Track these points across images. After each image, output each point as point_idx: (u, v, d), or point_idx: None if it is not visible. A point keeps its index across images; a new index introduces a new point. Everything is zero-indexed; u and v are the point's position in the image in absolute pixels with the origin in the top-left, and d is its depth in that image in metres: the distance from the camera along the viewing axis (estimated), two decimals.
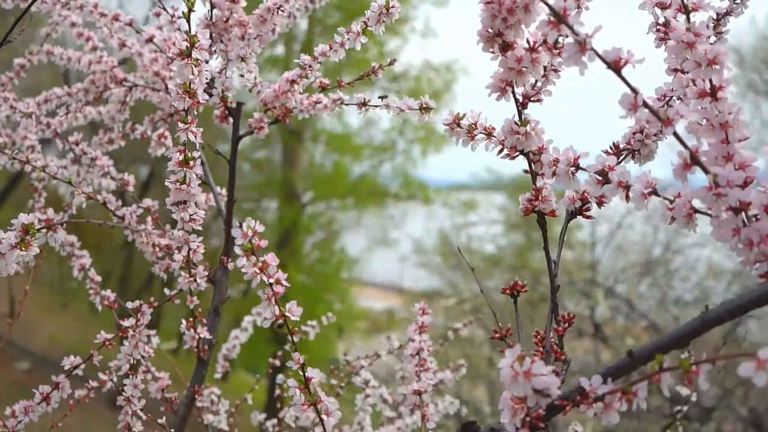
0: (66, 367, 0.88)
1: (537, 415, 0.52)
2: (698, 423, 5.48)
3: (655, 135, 0.64)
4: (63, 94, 1.16)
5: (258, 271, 0.59)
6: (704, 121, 0.53)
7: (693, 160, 0.50)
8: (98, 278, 1.06)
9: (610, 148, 0.65)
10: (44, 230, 0.65)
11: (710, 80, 0.51)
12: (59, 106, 1.18)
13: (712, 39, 0.68)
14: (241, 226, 0.58)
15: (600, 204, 0.64)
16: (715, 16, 0.68)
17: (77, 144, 1.08)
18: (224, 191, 1.07)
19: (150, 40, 1.03)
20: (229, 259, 0.92)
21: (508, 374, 0.48)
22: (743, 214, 0.49)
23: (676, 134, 0.49)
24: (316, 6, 1.04)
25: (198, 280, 0.86)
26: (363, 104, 0.91)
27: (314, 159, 11.74)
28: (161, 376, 0.98)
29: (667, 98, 0.63)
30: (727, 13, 0.66)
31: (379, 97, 0.89)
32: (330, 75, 0.98)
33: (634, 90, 0.49)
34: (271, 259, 0.60)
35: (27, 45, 1.39)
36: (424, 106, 0.80)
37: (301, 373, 0.62)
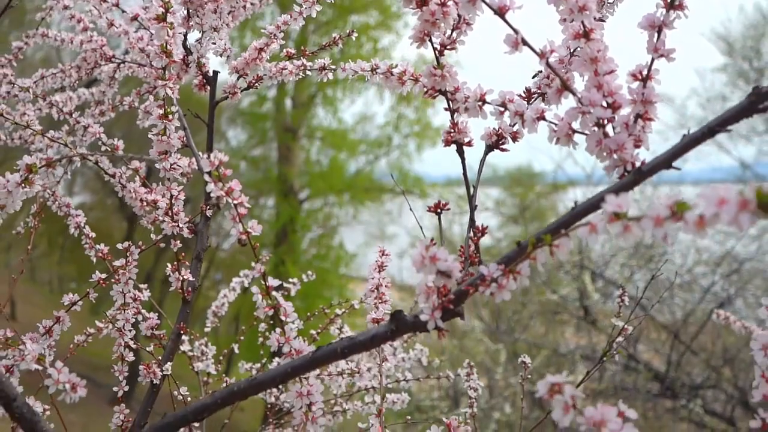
0: (65, 303, 1.00)
1: (448, 300, 0.64)
2: (685, 400, 5.62)
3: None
4: (57, 71, 1.27)
5: (224, 194, 0.71)
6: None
7: (564, 86, 0.62)
8: (93, 234, 1.18)
9: (524, 91, 0.78)
10: (44, 168, 0.77)
11: (582, 23, 0.63)
12: (54, 84, 1.29)
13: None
14: (209, 157, 0.70)
15: (514, 139, 0.76)
16: None
17: (71, 114, 1.20)
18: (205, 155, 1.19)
19: (135, 18, 1.15)
20: (209, 208, 1.04)
21: (418, 259, 0.60)
22: (604, 129, 0.61)
23: (548, 64, 0.61)
24: None
25: (181, 225, 0.98)
26: (323, 68, 1.03)
27: (310, 156, 11.85)
28: (150, 316, 1.10)
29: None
30: None
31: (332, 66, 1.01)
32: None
33: (515, 31, 0.61)
34: (235, 184, 0.72)
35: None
36: (374, 67, 0.92)
37: (263, 282, 0.74)
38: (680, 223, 0.43)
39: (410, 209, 1.03)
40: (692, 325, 6.58)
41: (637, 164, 0.60)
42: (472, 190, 0.74)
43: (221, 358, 1.41)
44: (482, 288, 0.62)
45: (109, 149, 1.15)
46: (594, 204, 0.59)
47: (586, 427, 0.51)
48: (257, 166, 11.52)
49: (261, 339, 1.41)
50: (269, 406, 1.42)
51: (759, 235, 7.88)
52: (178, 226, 0.99)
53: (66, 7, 1.27)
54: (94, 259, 1.16)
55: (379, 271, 1.06)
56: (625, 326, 1.16)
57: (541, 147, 8.32)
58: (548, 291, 6.03)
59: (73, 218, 1.20)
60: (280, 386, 1.43)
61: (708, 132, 0.56)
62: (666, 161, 0.57)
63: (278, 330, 0.75)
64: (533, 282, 7.23)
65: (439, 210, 0.76)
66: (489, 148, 0.77)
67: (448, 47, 0.71)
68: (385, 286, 1.06)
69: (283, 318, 0.74)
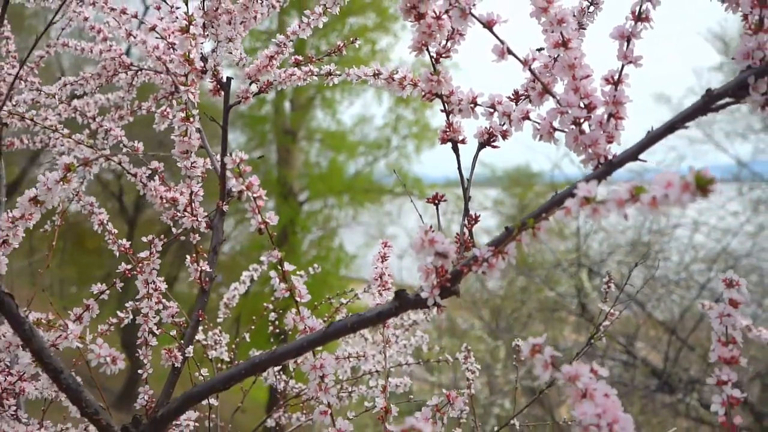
0: (94, 292, 1.08)
1: (445, 279, 0.72)
2: (682, 395, 5.71)
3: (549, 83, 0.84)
4: (79, 79, 1.36)
5: (245, 188, 0.80)
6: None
7: (545, 89, 0.71)
8: (115, 231, 1.27)
9: (512, 94, 0.86)
10: (81, 167, 0.86)
11: (561, 33, 0.72)
12: (76, 90, 1.38)
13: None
14: (231, 155, 0.79)
15: (504, 137, 0.85)
16: None
17: (94, 119, 1.28)
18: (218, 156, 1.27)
19: (152, 29, 1.24)
20: (225, 203, 1.12)
21: (418, 242, 0.69)
22: (581, 127, 0.70)
23: (531, 70, 0.70)
24: None
25: (200, 219, 1.07)
26: (329, 74, 1.11)
27: (309, 158, 11.94)
28: (171, 305, 1.19)
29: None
30: None
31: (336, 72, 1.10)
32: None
33: (501, 42, 0.70)
34: (254, 179, 0.81)
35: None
36: (376, 73, 1.00)
37: (280, 267, 0.83)
38: (638, 203, 0.52)
39: (414, 206, 1.11)
40: (689, 320, 6.67)
41: (609, 157, 0.69)
42: (466, 183, 0.83)
43: (234, 346, 1.50)
44: (475, 267, 0.71)
45: (130, 150, 1.23)
46: (569, 192, 0.68)
47: (563, 382, 0.59)
48: (257, 169, 11.59)
49: (270, 327, 1.49)
50: (279, 392, 1.51)
51: (756, 233, 7.97)
52: (197, 220, 1.07)
53: (86, 19, 1.36)
54: (117, 254, 1.25)
55: (382, 261, 1.15)
56: (611, 311, 1.24)
57: (539, 147, 8.41)
58: (546, 288, 6.11)
59: (97, 216, 1.28)
60: (291, 370, 1.51)
61: (669, 128, 0.64)
62: (633, 155, 0.66)
63: (293, 310, 0.83)
64: (532, 281, 7.33)
65: (437, 201, 0.85)
66: (481, 146, 0.85)
67: (443, 55, 0.80)
68: (388, 275, 1.14)
69: (297, 299, 0.83)
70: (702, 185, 0.47)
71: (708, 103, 0.63)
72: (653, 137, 0.65)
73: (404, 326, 1.62)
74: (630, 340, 6.47)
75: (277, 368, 1.55)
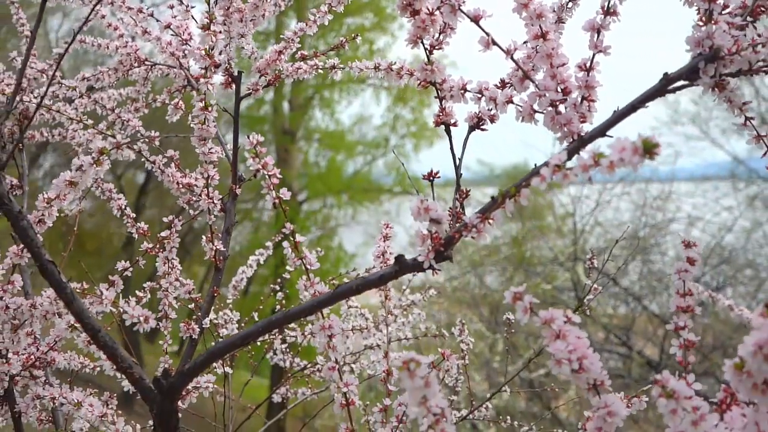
0: (119, 269, 1.18)
1: (439, 244, 0.82)
2: None
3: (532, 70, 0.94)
4: (97, 73, 1.46)
5: (261, 167, 0.90)
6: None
7: (525, 76, 0.80)
8: (133, 215, 1.36)
9: (499, 81, 0.96)
10: (114, 150, 0.95)
11: (540, 27, 0.82)
12: (94, 84, 1.48)
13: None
14: (248, 137, 0.89)
15: (492, 120, 0.95)
16: None
17: (113, 110, 1.38)
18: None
19: (167, 26, 1.33)
20: (238, 186, 1.22)
21: (415, 209, 0.78)
22: (557, 108, 0.80)
23: (513, 59, 0.80)
24: None
25: (215, 201, 1.17)
26: (333, 67, 1.21)
27: (308, 158, 12.04)
28: (188, 282, 1.28)
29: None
30: None
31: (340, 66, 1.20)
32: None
33: (487, 33, 0.80)
34: (269, 159, 0.91)
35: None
36: (377, 65, 1.10)
37: (292, 238, 0.92)
38: (599, 167, 0.62)
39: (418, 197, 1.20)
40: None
41: (582, 134, 0.79)
42: (457, 161, 0.92)
43: (242, 324, 1.60)
44: (465, 232, 0.80)
45: (147, 140, 1.33)
46: (545, 164, 0.78)
47: (540, 324, 0.69)
48: (247, 173, 11.67)
49: (278, 306, 1.59)
50: (285, 369, 1.60)
51: (752, 229, 8.08)
52: (213, 202, 1.17)
53: (103, 16, 1.45)
54: (136, 236, 1.34)
55: (384, 241, 1.24)
56: (594, 286, 1.34)
57: (537, 146, 8.52)
58: (543, 282, 6.22)
59: (116, 201, 1.38)
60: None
61: (631, 108, 0.74)
62: (601, 131, 0.76)
63: (304, 277, 0.93)
64: (528, 277, 7.43)
65: (431, 177, 0.95)
66: (471, 128, 0.95)
67: (436, 47, 0.89)
68: (390, 253, 1.24)
69: (308, 267, 0.92)
70: (648, 149, 0.57)
71: (665, 85, 0.73)
72: (618, 116, 0.75)
73: (402, 306, 1.71)
74: (627, 333, 6.57)
75: (284, 345, 1.65)
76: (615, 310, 6.74)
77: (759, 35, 0.73)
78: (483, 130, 0.95)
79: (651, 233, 7.41)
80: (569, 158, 0.81)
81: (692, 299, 0.76)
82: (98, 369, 1.26)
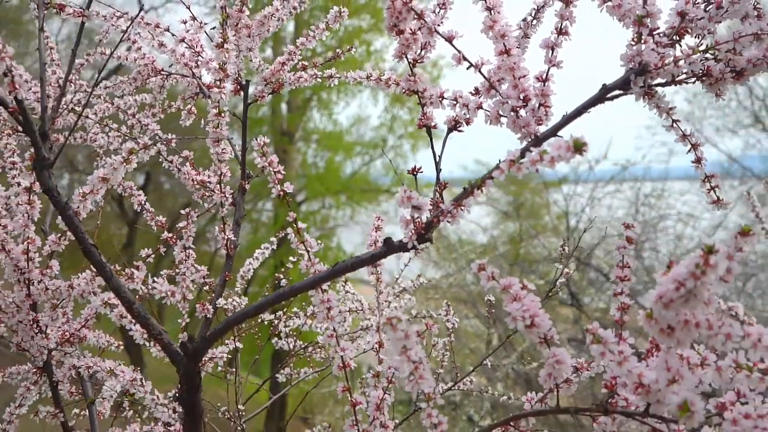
0: (143, 256, 1.33)
1: (420, 226, 0.97)
2: None
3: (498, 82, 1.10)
4: (118, 82, 1.61)
5: (267, 164, 1.05)
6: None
7: (491, 86, 0.96)
8: (152, 209, 1.51)
9: (473, 89, 1.11)
10: (141, 150, 1.11)
11: (504, 44, 0.97)
12: (116, 92, 1.63)
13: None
14: (255, 139, 1.04)
15: (467, 123, 1.10)
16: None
17: (133, 115, 1.54)
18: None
19: (182, 40, 1.49)
20: (246, 182, 1.37)
21: (400, 198, 0.94)
22: (518, 113, 0.95)
23: (480, 72, 0.95)
24: (298, 10, 1.50)
25: (227, 195, 1.32)
26: (331, 77, 1.37)
27: (306, 158, 12.18)
28: (201, 268, 1.44)
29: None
30: (538, 10, 1.12)
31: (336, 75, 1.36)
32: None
33: (459, 51, 0.95)
34: (275, 157, 1.06)
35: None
36: (369, 75, 1.25)
37: (295, 225, 1.08)
38: (544, 162, 0.77)
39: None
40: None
41: (538, 135, 0.94)
42: (438, 157, 1.08)
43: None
44: (442, 217, 0.96)
45: (165, 142, 1.49)
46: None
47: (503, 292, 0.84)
48: (255, 170, 11.83)
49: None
50: (287, 351, 1.76)
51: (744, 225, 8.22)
52: (225, 196, 1.33)
53: (123, 31, 1.61)
54: (155, 228, 1.50)
55: (376, 231, 1.40)
56: (567, 270, 1.49)
57: None
58: (536, 278, 6.38)
59: (136, 197, 1.53)
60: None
61: (576, 113, 0.90)
62: (552, 132, 0.92)
63: (306, 257, 1.08)
64: (525, 273, 7.59)
65: (415, 173, 1.11)
66: (449, 130, 1.11)
67: (418, 61, 1.05)
68: (382, 242, 1.39)
69: (309, 249, 1.08)
70: (578, 147, 0.73)
71: (603, 94, 0.89)
72: (565, 120, 0.91)
73: (395, 293, 1.87)
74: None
75: (288, 328, 1.81)
76: (607, 305, 6.90)
77: (682, 52, 0.89)
78: (460, 131, 1.11)
79: (644, 230, 7.57)
80: (523, 156, 0.96)
81: (629, 271, 0.91)
82: (121, 347, 1.41)
